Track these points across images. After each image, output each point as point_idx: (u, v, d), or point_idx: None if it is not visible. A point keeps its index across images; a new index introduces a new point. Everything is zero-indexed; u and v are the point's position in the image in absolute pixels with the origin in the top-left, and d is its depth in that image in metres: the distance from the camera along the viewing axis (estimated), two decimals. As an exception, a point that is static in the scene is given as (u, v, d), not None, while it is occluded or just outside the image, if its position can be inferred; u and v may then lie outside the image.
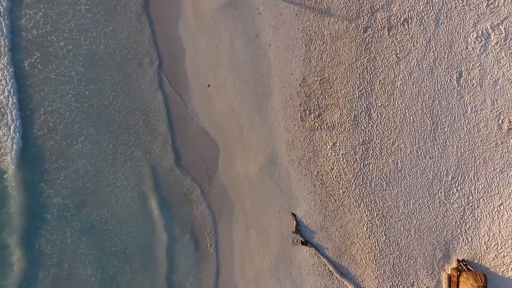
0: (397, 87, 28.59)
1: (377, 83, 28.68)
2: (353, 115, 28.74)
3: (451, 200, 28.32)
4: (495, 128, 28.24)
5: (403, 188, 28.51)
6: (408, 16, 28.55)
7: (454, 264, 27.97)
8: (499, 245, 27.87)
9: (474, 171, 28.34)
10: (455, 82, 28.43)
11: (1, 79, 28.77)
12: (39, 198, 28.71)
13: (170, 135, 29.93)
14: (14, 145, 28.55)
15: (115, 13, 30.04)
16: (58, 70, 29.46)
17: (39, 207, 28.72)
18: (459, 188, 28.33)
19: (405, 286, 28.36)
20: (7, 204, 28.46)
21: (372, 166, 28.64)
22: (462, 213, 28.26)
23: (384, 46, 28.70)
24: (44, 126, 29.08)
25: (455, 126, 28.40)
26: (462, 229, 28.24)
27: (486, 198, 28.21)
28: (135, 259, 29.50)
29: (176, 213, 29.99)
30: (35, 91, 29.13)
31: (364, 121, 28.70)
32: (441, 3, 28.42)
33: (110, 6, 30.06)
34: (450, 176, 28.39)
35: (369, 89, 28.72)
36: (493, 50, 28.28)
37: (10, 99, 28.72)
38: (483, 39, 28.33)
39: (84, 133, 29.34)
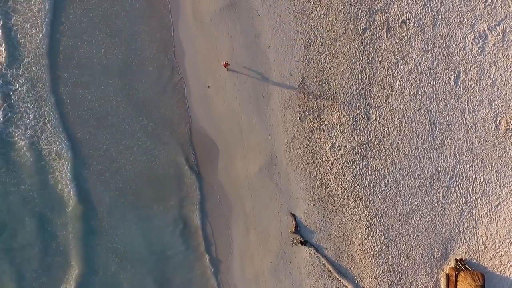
0: (396, 88, 28.82)
1: (376, 84, 28.90)
2: (352, 116, 28.96)
3: (449, 200, 28.55)
4: (493, 129, 28.47)
5: (401, 189, 28.74)
6: (406, 17, 28.77)
7: (452, 264, 28.20)
8: (497, 245, 28.11)
9: (472, 171, 28.57)
10: (453, 83, 28.66)
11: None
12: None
13: (172, 137, 30.23)
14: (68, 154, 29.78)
15: (117, 16, 30.34)
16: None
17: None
18: (457, 188, 28.57)
19: (404, 286, 28.59)
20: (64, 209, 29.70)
21: (371, 167, 28.86)
22: (460, 213, 28.50)
23: (383, 47, 28.92)
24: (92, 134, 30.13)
25: (453, 126, 28.63)
26: (460, 229, 28.47)
27: (484, 198, 28.45)
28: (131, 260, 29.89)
29: (176, 213, 30.24)
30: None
31: (362, 122, 28.93)
32: (438, 4, 28.65)
33: (112, 11, 30.41)
34: (448, 176, 28.62)
35: (368, 90, 28.94)
36: (491, 51, 28.51)
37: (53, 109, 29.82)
38: (481, 41, 28.55)
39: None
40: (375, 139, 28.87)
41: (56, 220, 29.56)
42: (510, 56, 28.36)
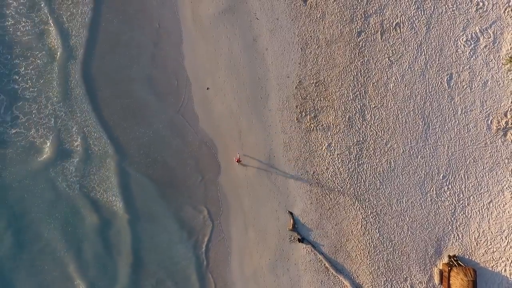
0: (390, 89, 29.55)
1: (371, 85, 29.63)
2: (347, 116, 29.68)
3: (443, 198, 29.27)
4: (484, 129, 29.18)
5: (396, 187, 29.46)
6: (400, 20, 29.51)
7: (445, 260, 28.88)
8: (489, 241, 28.82)
9: (465, 170, 29.29)
10: (446, 84, 29.38)
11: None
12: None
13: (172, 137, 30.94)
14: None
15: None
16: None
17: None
18: (450, 186, 29.29)
19: (399, 281, 29.29)
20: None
21: (366, 166, 29.59)
22: (453, 211, 29.20)
23: (377, 49, 29.64)
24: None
25: (446, 126, 29.36)
26: (453, 226, 29.18)
27: (476, 196, 29.16)
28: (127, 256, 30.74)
29: (175, 211, 30.87)
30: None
31: (358, 122, 29.66)
32: (432, 8, 29.38)
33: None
34: (441, 175, 29.34)
35: (363, 91, 29.67)
36: (482, 53, 29.24)
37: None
38: (473, 43, 29.29)
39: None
40: (370, 139, 29.60)
41: (104, 222, 30.71)
42: (501, 57, 29.08)
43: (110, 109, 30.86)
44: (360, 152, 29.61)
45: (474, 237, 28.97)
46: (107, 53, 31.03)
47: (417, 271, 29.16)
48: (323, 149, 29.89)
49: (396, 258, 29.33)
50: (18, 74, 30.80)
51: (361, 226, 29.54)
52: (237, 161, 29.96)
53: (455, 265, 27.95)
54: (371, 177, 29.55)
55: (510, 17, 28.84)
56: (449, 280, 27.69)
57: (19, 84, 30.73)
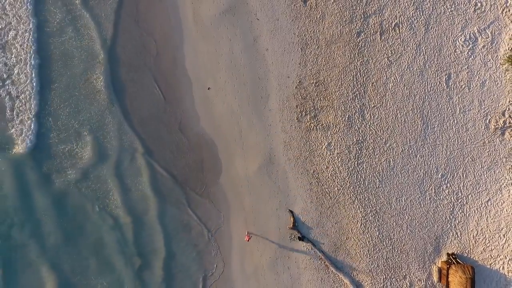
0: (389, 89, 29.85)
1: (370, 85, 29.93)
2: (347, 116, 29.99)
3: (441, 197, 29.58)
4: (483, 128, 29.48)
5: (395, 186, 29.77)
6: (399, 21, 29.79)
7: (444, 258, 29.22)
8: (487, 239, 29.14)
9: (463, 169, 29.59)
10: (444, 84, 29.68)
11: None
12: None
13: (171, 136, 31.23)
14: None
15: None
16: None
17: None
18: (448, 185, 29.60)
19: (398, 279, 29.62)
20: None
21: (366, 165, 29.89)
22: (451, 209, 29.52)
23: (377, 50, 29.93)
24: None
25: (445, 126, 29.65)
26: (452, 224, 29.50)
27: (474, 195, 29.47)
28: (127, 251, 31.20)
29: (176, 211, 31.18)
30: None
31: (357, 121, 29.97)
32: (430, 8, 29.65)
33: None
34: (440, 174, 29.65)
35: (362, 91, 29.97)
36: (480, 53, 29.51)
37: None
38: (471, 43, 29.57)
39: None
40: (369, 138, 29.91)
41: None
42: (499, 57, 29.37)
43: (133, 110, 31.40)
44: (359, 151, 29.91)
45: (473, 235, 29.29)
46: (123, 52, 31.54)
47: (416, 269, 29.48)
48: (323, 148, 30.19)
49: (396, 256, 29.64)
50: (54, 78, 31.26)
51: (361, 224, 29.85)
52: (247, 239, 30.37)
53: (453, 262, 28.26)
54: (370, 176, 29.86)
55: (508, 18, 29.13)
56: (447, 277, 28.01)
57: (55, 88, 31.31)
